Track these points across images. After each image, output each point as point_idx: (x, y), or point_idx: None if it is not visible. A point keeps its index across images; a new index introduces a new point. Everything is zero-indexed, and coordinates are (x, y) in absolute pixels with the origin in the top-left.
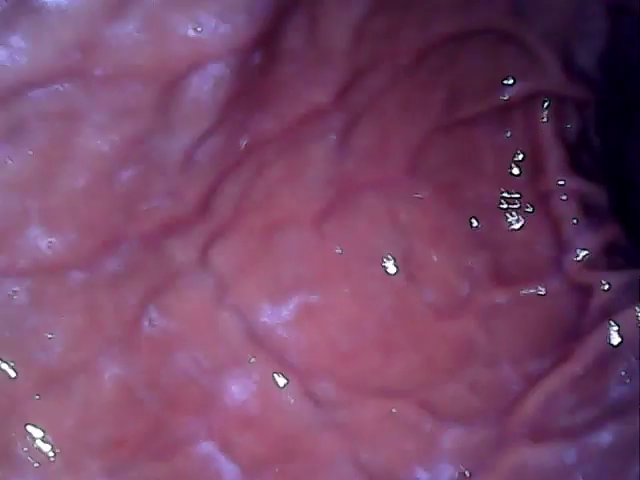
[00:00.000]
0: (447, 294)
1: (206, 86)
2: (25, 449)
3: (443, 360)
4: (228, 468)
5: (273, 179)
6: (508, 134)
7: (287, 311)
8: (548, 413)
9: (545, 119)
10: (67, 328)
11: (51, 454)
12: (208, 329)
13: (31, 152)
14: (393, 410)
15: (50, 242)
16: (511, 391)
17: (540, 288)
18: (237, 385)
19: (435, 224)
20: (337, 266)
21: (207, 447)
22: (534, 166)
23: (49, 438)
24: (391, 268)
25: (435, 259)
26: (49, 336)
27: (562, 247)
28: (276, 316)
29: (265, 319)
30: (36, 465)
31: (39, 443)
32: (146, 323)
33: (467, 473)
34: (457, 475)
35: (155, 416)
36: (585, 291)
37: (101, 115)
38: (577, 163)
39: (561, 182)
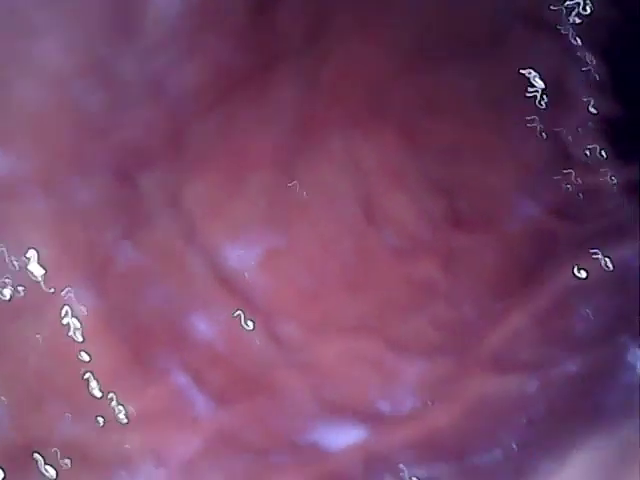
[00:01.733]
0: (407, 237)
1: (173, 8)
2: None
3: (404, 299)
4: (199, 398)
5: (244, 120)
6: (476, 74)
7: (252, 254)
8: (510, 348)
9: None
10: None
11: None
12: (178, 268)
13: None
14: (355, 347)
15: (6, 162)
16: (472, 328)
17: (500, 232)
18: (204, 323)
19: (395, 167)
20: (301, 209)
21: (180, 379)
22: (502, 108)
23: None
24: (353, 211)
25: (395, 202)
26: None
27: (526, 192)
28: (241, 258)
29: (230, 261)
30: None
31: None
32: (120, 258)
33: (429, 402)
34: (419, 405)
35: (131, 349)
36: (548, 235)
37: (61, 31)
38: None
39: (537, 124)
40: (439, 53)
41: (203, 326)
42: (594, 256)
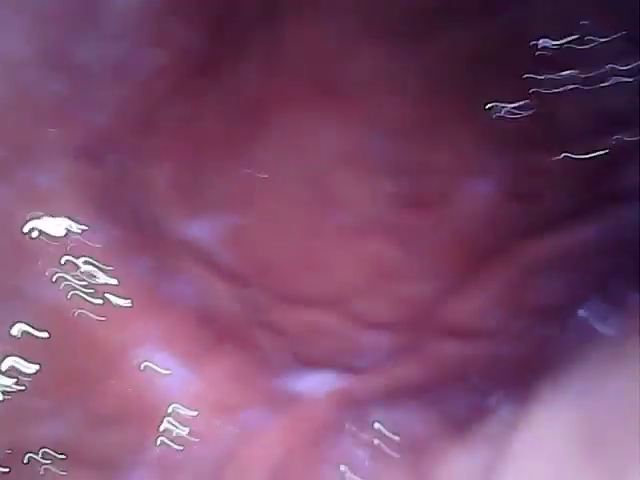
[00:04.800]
0: (357, 216)
1: None
2: None
3: (358, 276)
4: (177, 366)
5: (205, 104)
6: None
7: (212, 228)
8: (470, 319)
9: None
10: None
11: None
12: (152, 241)
13: None
14: (316, 319)
15: None
16: (429, 302)
17: (453, 211)
18: (180, 288)
19: (346, 146)
20: (258, 190)
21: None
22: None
23: None
24: (305, 191)
25: (345, 182)
26: None
27: (482, 172)
28: (203, 232)
29: (194, 234)
30: None
31: None
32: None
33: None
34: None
35: None
36: (504, 214)
37: (18, 18)
38: None
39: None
40: (394, 27)
41: (179, 291)
42: (551, 233)
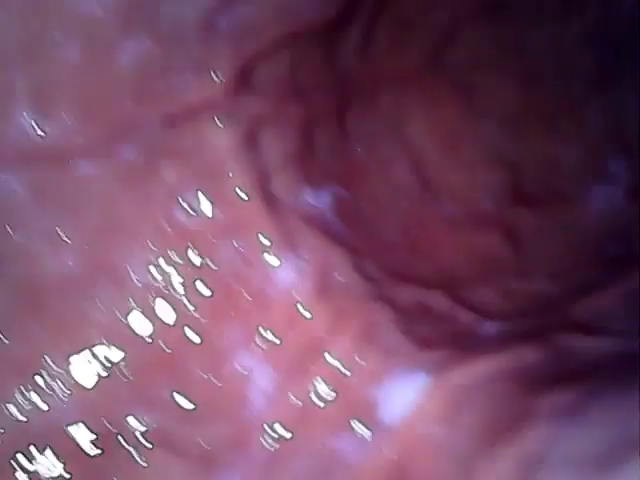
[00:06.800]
0: (464, 208)
1: None
2: None
3: (468, 268)
4: None
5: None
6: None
7: (324, 199)
8: (596, 318)
9: None
10: (82, 228)
11: None
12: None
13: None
14: (427, 299)
15: (43, 127)
16: (549, 299)
17: (572, 212)
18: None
19: (450, 130)
20: (356, 165)
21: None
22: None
23: None
24: (406, 175)
25: (450, 170)
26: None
27: (595, 172)
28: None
29: (310, 203)
30: None
31: None
32: (180, 215)
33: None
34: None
35: None
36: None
37: None
38: None
39: None
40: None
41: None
42: None
